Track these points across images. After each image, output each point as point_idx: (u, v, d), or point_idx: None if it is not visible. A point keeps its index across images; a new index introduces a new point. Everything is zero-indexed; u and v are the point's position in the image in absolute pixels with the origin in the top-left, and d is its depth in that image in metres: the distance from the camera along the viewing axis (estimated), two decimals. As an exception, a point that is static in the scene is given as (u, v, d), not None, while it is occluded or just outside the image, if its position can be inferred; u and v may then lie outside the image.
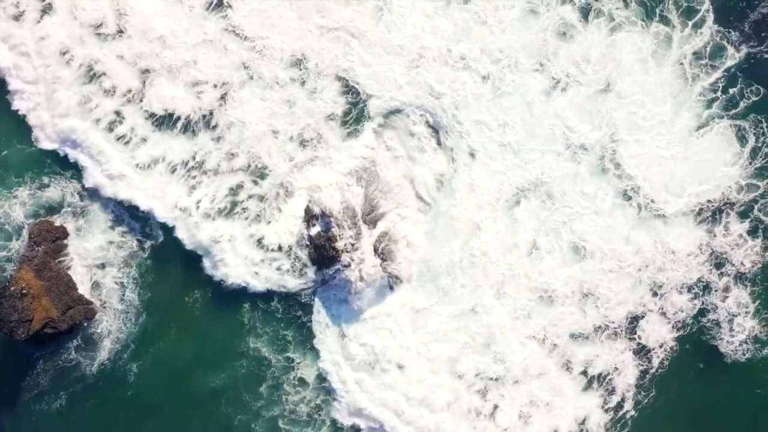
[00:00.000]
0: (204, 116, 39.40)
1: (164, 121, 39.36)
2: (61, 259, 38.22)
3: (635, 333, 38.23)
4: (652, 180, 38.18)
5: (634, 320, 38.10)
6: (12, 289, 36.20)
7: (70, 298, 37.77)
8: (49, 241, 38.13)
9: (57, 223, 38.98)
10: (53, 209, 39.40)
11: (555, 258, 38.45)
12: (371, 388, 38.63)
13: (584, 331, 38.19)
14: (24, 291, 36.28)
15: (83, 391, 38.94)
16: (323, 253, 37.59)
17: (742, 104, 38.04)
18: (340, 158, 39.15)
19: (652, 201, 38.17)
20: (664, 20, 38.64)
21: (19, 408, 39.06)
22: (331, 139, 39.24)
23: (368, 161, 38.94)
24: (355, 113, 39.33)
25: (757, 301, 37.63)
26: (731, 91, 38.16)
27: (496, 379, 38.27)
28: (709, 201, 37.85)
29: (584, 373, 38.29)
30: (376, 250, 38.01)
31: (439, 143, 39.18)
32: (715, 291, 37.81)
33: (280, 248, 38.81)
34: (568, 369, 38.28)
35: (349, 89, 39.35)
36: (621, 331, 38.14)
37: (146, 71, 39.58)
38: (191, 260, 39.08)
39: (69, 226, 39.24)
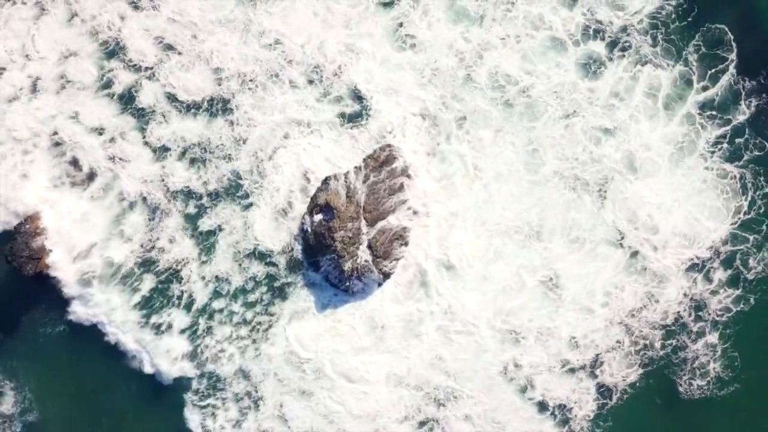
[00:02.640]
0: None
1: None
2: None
3: (598, 368, 37.97)
4: (642, 227, 38.44)
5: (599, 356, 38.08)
6: (27, 227, 38.90)
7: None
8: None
9: (80, 172, 41.98)
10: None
11: (530, 296, 38.87)
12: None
13: (545, 364, 38.39)
14: (38, 230, 38.94)
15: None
16: (322, 240, 39.13)
17: (745, 157, 38.21)
18: (347, 155, 41.09)
19: (638, 252, 38.35)
20: (686, 62, 39.24)
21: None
22: (340, 139, 41.38)
23: (372, 161, 40.20)
24: (365, 117, 41.19)
25: (727, 344, 37.29)
26: (737, 141, 38.38)
27: (453, 397, 38.88)
28: (697, 257, 37.96)
29: (542, 402, 38.14)
30: (371, 247, 39.23)
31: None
32: (688, 332, 37.66)
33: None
34: (524, 392, 38.37)
35: (360, 97, 41.29)
36: (585, 366, 38.08)
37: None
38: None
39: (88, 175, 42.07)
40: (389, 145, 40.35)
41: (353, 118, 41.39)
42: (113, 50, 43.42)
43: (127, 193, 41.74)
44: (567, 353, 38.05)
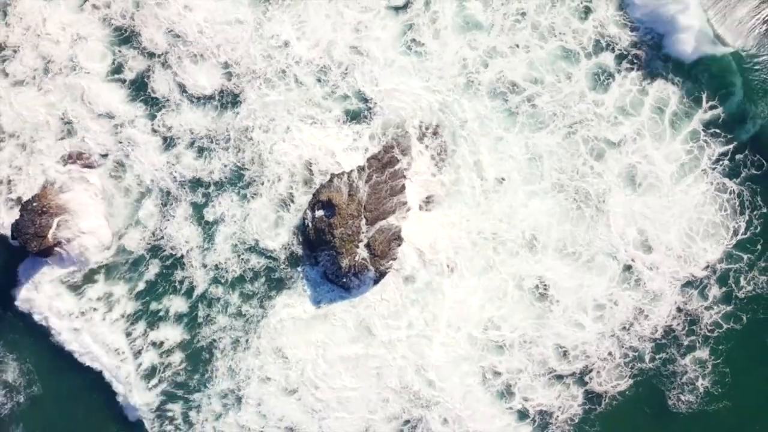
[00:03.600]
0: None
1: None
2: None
3: (587, 374, 38.06)
4: (639, 243, 38.56)
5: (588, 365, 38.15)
6: (34, 204, 39.78)
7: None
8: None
9: (88, 155, 42.77)
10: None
11: (519, 306, 39.04)
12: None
13: (532, 372, 38.47)
14: (44, 209, 39.75)
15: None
16: (321, 236, 39.67)
17: (743, 174, 38.21)
18: (349, 151, 41.61)
19: (632, 267, 38.47)
20: (696, 79, 39.36)
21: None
22: (343, 134, 41.90)
23: (376, 161, 40.70)
24: (369, 117, 41.68)
25: (718, 360, 37.30)
26: (737, 157, 38.43)
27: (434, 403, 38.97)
28: (692, 275, 38.03)
29: (524, 408, 38.28)
30: (369, 245, 39.64)
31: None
32: (679, 346, 37.66)
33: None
34: (502, 398, 38.54)
35: (365, 99, 41.81)
36: (574, 373, 38.18)
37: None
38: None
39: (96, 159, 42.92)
40: (392, 147, 40.79)
41: (358, 116, 41.90)
42: (126, 37, 44.32)
43: (136, 180, 42.56)
44: (556, 363, 38.12)
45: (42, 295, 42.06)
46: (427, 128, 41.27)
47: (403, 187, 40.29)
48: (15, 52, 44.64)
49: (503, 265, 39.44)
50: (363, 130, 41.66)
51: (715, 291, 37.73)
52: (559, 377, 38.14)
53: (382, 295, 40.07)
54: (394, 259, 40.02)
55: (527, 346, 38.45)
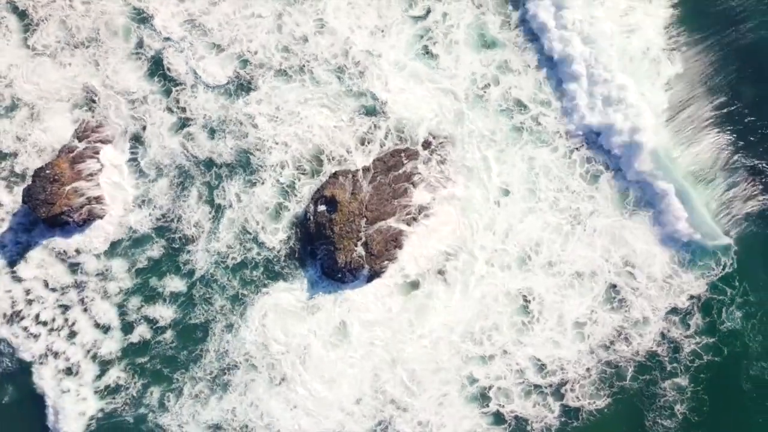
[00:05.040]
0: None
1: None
2: (95, 158, 42.75)
3: (564, 386, 38.18)
4: (625, 267, 39.07)
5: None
6: (47, 171, 40.73)
7: (92, 196, 41.91)
8: (90, 140, 42.79)
9: (104, 129, 43.83)
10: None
11: (503, 318, 39.43)
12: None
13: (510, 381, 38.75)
14: (56, 177, 40.69)
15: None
16: (321, 230, 40.41)
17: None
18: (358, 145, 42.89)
19: (618, 289, 38.93)
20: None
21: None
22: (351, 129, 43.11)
23: (381, 164, 41.71)
24: (380, 118, 42.85)
25: (698, 387, 37.38)
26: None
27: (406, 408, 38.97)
28: (675, 304, 38.39)
29: (500, 413, 38.29)
30: (366, 244, 40.28)
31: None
32: (662, 370, 37.74)
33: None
34: (478, 402, 38.61)
35: (377, 98, 43.13)
36: (552, 386, 38.30)
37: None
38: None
39: (111, 133, 43.93)
40: (399, 152, 41.80)
41: (372, 113, 43.09)
42: (145, 18, 46.13)
43: (149, 157, 43.56)
44: (532, 374, 38.34)
45: (31, 264, 42.66)
46: (434, 136, 42.32)
47: (405, 191, 41.08)
48: (38, 24, 46.24)
49: (494, 277, 39.98)
50: (374, 129, 42.69)
51: (698, 320, 38.03)
52: (537, 386, 38.33)
53: (373, 296, 40.44)
54: (390, 260, 40.61)
55: (507, 357, 38.69)
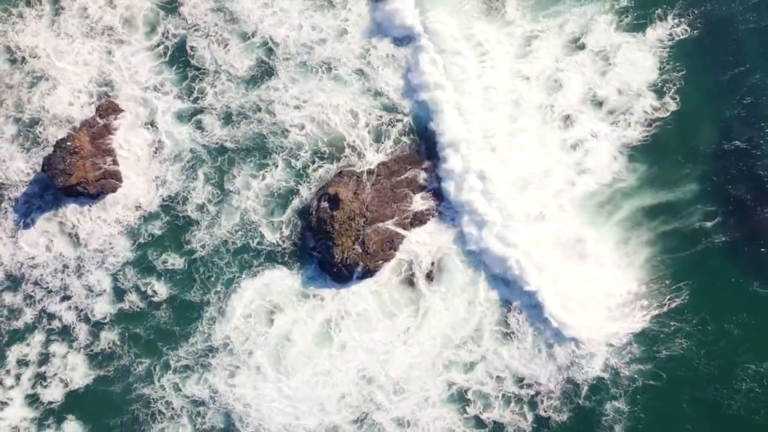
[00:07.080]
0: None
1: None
2: (114, 136, 44.07)
3: (537, 397, 38.95)
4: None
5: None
6: (68, 143, 41.98)
7: (107, 171, 43.18)
8: (110, 119, 44.08)
9: (124, 110, 45.12)
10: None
11: (486, 329, 40.27)
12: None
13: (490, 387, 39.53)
14: (76, 149, 41.93)
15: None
16: (322, 225, 41.56)
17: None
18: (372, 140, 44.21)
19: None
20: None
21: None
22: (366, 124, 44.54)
23: (385, 168, 42.86)
24: (394, 119, 44.32)
25: (635, 408, 38.15)
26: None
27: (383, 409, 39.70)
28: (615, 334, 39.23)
29: (479, 415, 39.05)
30: (363, 243, 41.28)
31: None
32: (607, 392, 38.40)
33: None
34: (457, 404, 39.39)
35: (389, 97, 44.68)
36: (528, 395, 39.13)
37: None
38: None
39: (131, 114, 45.16)
40: (404, 158, 42.98)
41: (390, 110, 44.47)
42: (173, 8, 47.37)
43: (165, 139, 44.70)
44: (510, 384, 39.29)
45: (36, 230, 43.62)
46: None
47: (406, 196, 42.18)
48: (63, 9, 47.68)
49: (481, 291, 40.86)
50: (389, 129, 43.94)
51: (634, 349, 38.86)
52: (516, 395, 39.20)
53: (364, 293, 41.27)
54: (385, 260, 41.47)
55: (487, 365, 39.59)
